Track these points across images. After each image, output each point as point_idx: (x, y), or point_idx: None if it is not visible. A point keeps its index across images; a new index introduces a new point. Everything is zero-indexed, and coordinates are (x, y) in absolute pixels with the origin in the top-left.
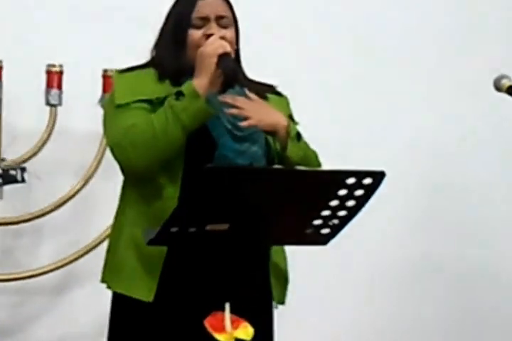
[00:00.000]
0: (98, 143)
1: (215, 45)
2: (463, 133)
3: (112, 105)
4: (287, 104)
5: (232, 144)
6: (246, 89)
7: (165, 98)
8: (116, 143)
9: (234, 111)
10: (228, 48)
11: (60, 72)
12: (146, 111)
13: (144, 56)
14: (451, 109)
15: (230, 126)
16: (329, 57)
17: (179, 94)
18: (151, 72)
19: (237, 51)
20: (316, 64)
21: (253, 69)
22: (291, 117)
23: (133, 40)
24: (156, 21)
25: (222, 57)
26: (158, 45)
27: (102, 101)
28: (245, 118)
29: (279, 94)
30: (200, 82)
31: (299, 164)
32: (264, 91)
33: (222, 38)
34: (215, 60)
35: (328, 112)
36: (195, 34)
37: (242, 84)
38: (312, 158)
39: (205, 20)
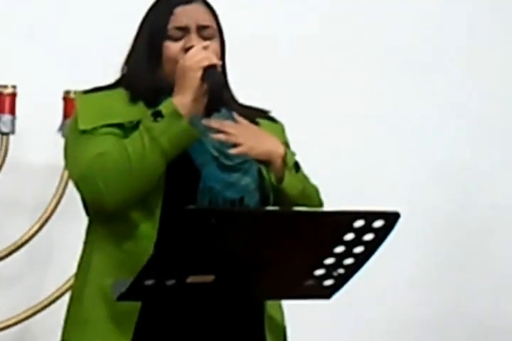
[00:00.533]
0: (58, 178)
1: (198, 56)
2: (496, 164)
3: (74, 131)
4: (282, 131)
5: (219, 174)
6: (234, 113)
7: (139, 122)
8: (82, 176)
9: (221, 136)
10: (215, 60)
11: (13, 95)
12: (117, 137)
13: (114, 76)
14: (480, 138)
15: (216, 154)
16: (341, 80)
17: (157, 115)
18: (121, 92)
19: (222, 68)
20: (322, 86)
21: (241, 90)
22: (287, 146)
23: (101, 57)
24: (129, 36)
25: (208, 70)
26: (129, 61)
27: (63, 129)
28: (234, 145)
29: (273, 119)
30: (182, 100)
31: (297, 199)
32: (255, 116)
33: (205, 48)
34: (199, 73)
35: (332, 140)
36: (172, 47)
37: (230, 106)
38: (313, 193)
39: (185, 30)
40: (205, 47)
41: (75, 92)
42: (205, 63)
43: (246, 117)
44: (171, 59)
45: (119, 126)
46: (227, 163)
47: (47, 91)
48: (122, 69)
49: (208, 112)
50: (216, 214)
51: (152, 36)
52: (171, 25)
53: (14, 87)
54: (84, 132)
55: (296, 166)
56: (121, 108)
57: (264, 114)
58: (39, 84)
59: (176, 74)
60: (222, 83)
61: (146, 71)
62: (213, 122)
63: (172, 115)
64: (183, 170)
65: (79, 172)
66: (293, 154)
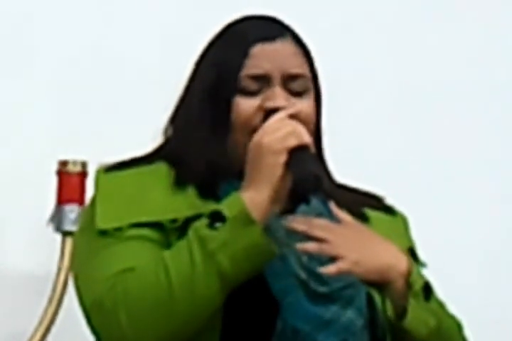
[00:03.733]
0: (47, 293)
1: (282, 131)
2: None
3: (90, 231)
4: (405, 228)
5: (309, 307)
6: (331, 203)
7: (188, 221)
8: (98, 302)
9: (311, 246)
10: (306, 138)
11: None
12: (153, 243)
13: (150, 141)
14: None
15: (304, 275)
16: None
17: (216, 218)
18: (161, 169)
19: (317, 133)
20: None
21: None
22: (413, 253)
23: (124, 108)
24: (178, 80)
25: (296, 153)
26: (177, 121)
27: (57, 219)
28: (332, 259)
29: (389, 210)
30: (255, 197)
31: (429, 340)
32: (363, 205)
33: (294, 116)
34: (282, 158)
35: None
36: (245, 105)
37: (325, 191)
38: (452, 330)
39: (264, 81)
40: (292, 116)
41: (76, 164)
42: (293, 142)
43: (349, 209)
44: (242, 121)
45: (157, 225)
46: (321, 289)
47: (32, 160)
48: (165, 131)
49: (291, 204)
50: None
51: (215, 86)
52: (244, 73)
53: None
54: (103, 233)
55: (427, 290)
56: (161, 196)
57: (375, 201)
58: (20, 149)
59: (248, 157)
60: (316, 174)
61: (202, 139)
62: (299, 222)
63: (239, 220)
64: (251, 300)
65: (93, 297)
66: (422, 266)
